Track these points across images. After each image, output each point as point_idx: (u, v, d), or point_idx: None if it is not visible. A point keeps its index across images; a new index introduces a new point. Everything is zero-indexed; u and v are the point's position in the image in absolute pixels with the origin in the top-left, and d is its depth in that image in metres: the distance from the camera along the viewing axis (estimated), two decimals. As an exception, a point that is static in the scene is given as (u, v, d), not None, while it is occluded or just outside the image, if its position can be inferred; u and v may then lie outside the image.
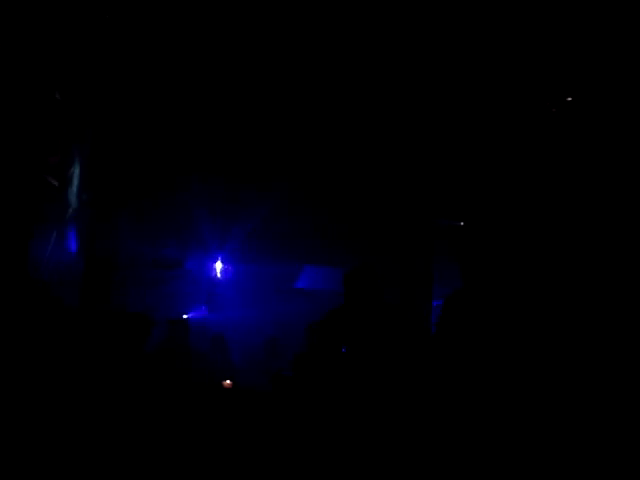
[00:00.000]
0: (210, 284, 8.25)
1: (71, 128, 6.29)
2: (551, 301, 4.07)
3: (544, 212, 4.76)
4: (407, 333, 4.32)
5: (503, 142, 5.52)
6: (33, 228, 5.33)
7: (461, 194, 6.32)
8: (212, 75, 6.63)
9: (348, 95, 6.75)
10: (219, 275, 8.28)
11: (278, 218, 7.84)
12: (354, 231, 7.76)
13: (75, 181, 6.53)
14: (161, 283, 7.64)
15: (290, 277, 8.32)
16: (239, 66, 6.39)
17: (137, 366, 4.11)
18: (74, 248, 6.51)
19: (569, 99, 5.11)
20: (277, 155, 7.70)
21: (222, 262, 8.29)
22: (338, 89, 6.63)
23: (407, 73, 6.15)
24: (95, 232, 6.93)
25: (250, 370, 5.71)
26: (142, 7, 5.68)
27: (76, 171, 6.51)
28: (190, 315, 7.62)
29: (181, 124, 7.39)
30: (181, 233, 7.96)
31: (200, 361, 5.43)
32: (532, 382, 3.71)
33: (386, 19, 5.65)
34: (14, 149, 4.89)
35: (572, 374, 3.73)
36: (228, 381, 4.56)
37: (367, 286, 4.16)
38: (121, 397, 3.91)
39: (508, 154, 5.44)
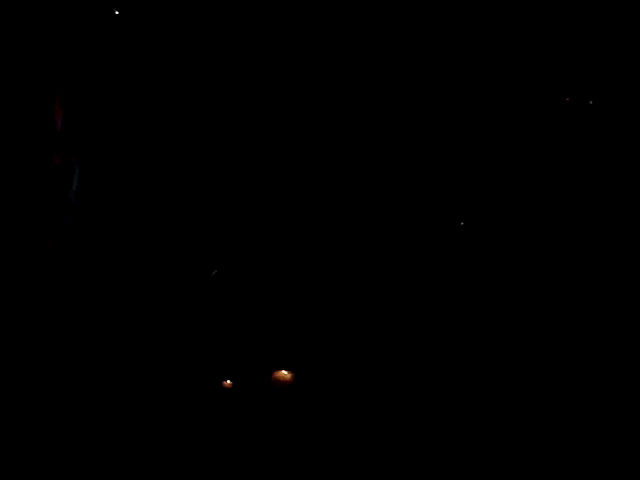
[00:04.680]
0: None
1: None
2: (551, 301, 4.07)
3: (544, 212, 4.76)
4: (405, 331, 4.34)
5: (503, 142, 5.53)
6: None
7: (461, 194, 6.31)
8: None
9: (346, 91, 6.75)
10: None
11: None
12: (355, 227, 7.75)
13: (75, 182, 6.50)
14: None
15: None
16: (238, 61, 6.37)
17: None
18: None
19: (568, 99, 5.11)
20: (275, 150, 7.68)
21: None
22: (336, 86, 6.63)
23: (407, 72, 6.15)
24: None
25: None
26: None
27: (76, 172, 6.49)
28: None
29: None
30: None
31: None
32: (532, 382, 3.71)
33: (386, 16, 5.64)
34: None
35: (572, 374, 3.73)
36: (228, 381, 4.55)
37: None
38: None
39: (508, 154, 5.44)
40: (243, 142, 6.48)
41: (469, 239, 4.75)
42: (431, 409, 3.85)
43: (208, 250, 5.27)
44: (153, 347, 4.59)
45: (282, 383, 4.23)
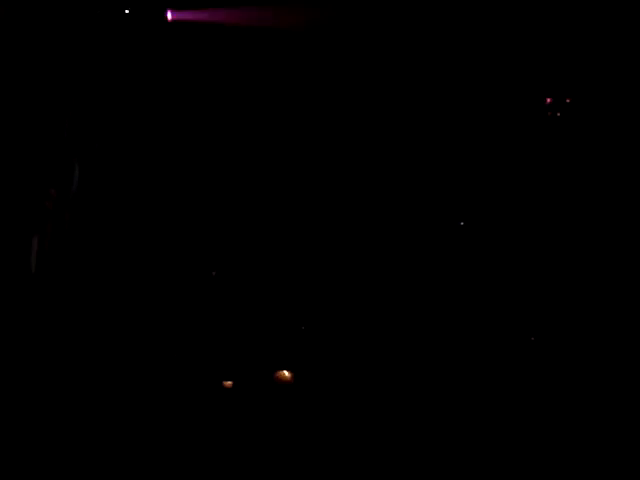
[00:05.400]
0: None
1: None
2: (551, 300, 4.08)
3: (544, 212, 4.76)
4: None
5: (503, 141, 5.53)
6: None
7: (461, 194, 6.30)
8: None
9: (345, 91, 6.73)
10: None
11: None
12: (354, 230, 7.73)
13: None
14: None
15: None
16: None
17: None
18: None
19: (568, 100, 5.11)
20: (275, 149, 7.66)
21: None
22: (336, 85, 6.62)
23: (405, 71, 6.15)
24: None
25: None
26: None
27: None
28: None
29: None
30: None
31: None
32: (532, 381, 3.71)
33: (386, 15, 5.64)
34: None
35: (572, 373, 3.73)
36: (229, 381, 4.55)
37: None
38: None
39: (508, 154, 5.45)
40: (242, 144, 6.46)
41: (469, 239, 4.75)
42: (430, 408, 3.85)
43: (208, 250, 5.27)
44: (153, 347, 4.59)
45: (282, 383, 4.23)
